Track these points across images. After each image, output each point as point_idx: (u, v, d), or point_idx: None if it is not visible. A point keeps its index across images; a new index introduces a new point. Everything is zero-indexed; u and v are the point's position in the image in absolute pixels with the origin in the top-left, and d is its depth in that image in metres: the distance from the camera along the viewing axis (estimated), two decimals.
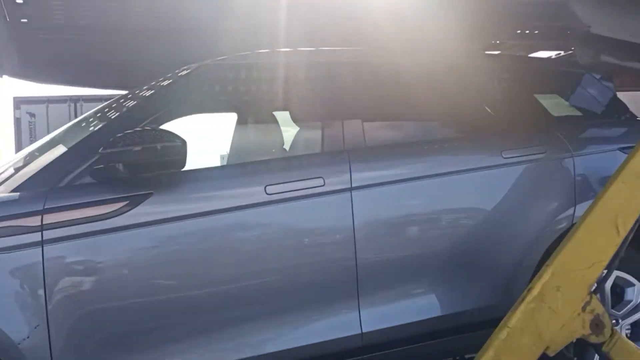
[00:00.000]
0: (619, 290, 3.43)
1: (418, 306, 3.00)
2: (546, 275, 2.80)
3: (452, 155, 3.21)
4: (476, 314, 3.08)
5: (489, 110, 3.41)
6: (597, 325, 2.83)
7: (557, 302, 2.78)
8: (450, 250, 3.09)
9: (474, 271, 3.14)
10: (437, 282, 3.05)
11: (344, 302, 2.90)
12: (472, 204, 3.17)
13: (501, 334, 2.73)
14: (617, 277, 3.38)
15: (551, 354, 2.77)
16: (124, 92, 3.55)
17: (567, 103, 3.89)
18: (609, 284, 3.34)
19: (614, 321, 3.37)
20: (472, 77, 3.45)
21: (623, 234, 2.88)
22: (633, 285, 3.41)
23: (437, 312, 3.03)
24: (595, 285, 2.86)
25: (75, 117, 12.23)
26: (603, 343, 2.85)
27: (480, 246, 3.15)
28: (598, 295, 2.89)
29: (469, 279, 3.12)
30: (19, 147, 12.38)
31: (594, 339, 2.83)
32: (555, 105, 3.85)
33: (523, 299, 2.78)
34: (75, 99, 12.85)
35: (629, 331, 3.49)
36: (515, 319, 2.74)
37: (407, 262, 3.00)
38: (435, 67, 3.45)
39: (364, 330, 2.90)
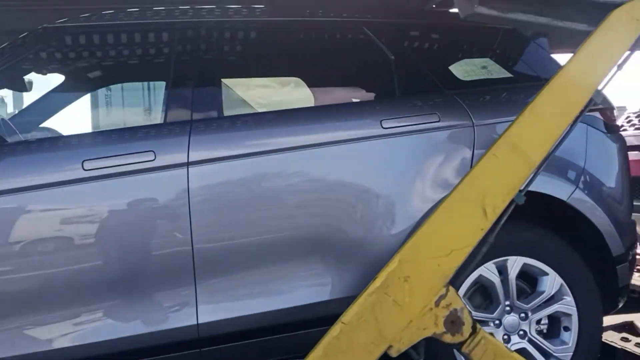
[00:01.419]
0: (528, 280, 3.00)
1: (267, 296, 2.68)
2: (393, 264, 2.41)
3: (318, 125, 2.82)
4: (344, 305, 2.73)
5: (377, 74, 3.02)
6: (453, 322, 2.43)
7: (404, 294, 2.40)
8: (311, 234, 2.72)
9: (340, 257, 2.77)
10: (293, 270, 2.71)
11: (180, 290, 2.62)
12: (338, 181, 2.78)
13: (334, 331, 2.38)
14: (528, 265, 2.94)
15: (394, 354, 2.39)
16: None
17: (496, 66, 3.40)
18: (513, 273, 2.91)
19: (522, 315, 2.93)
20: (363, 38, 3.04)
21: (492, 218, 2.45)
22: (547, 274, 2.95)
23: (289, 302, 2.69)
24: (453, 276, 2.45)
25: None
26: (463, 343, 2.45)
27: (349, 228, 2.77)
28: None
29: (333, 266, 2.76)
30: None
31: (448, 339, 2.43)
32: (477, 68, 3.39)
33: (364, 291, 2.42)
34: None
35: (544, 326, 3.04)
36: (352, 313, 2.38)
37: (255, 248, 2.66)
38: (317, 26, 3.06)
39: (200, 322, 2.62)
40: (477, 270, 2.86)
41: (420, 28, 3.20)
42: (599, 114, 3.20)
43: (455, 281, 2.47)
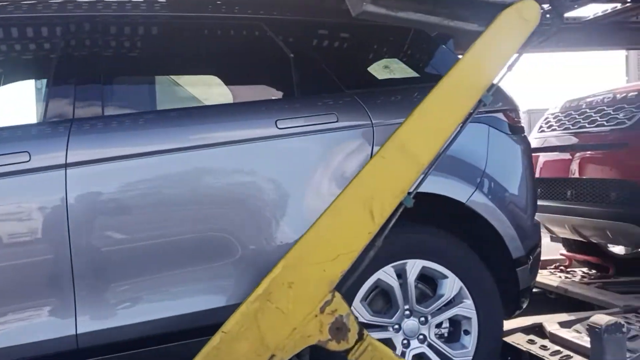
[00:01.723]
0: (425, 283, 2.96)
1: (152, 304, 2.56)
2: (276, 270, 2.33)
3: (207, 125, 2.70)
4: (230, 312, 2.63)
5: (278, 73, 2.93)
6: (339, 329, 2.36)
7: (288, 301, 2.32)
8: (197, 239, 2.61)
9: (232, 262, 2.66)
10: (179, 276, 2.60)
11: (57, 299, 2.48)
12: (229, 184, 2.69)
13: (214, 340, 2.29)
14: (427, 269, 2.89)
15: None
16: None
17: (402, 66, 3.36)
18: (412, 277, 2.86)
19: (422, 319, 2.89)
20: (262, 35, 2.95)
21: (379, 221, 2.39)
22: (446, 277, 2.91)
23: (175, 310, 2.58)
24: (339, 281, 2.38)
25: None
26: (349, 350, 2.39)
27: (241, 232, 2.67)
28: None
29: (225, 271, 2.66)
30: None
31: (334, 346, 2.36)
32: (383, 68, 3.33)
33: (247, 299, 2.33)
34: None
35: (445, 330, 3.01)
36: (233, 322, 2.29)
37: (137, 255, 2.55)
38: (215, 22, 2.95)
39: (79, 332, 2.48)
40: (375, 274, 2.81)
41: (323, 26, 3.12)
42: (503, 115, 3.18)
43: (342, 286, 2.41)
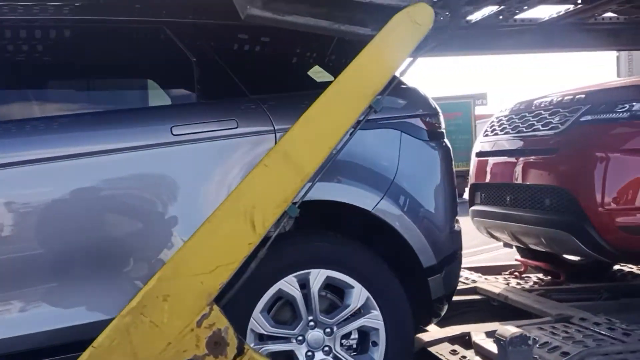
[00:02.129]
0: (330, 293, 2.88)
1: (23, 318, 2.48)
2: (151, 282, 2.26)
3: (98, 131, 2.63)
4: None
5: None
6: (217, 343, 2.29)
7: (163, 315, 2.25)
8: (82, 249, 2.54)
9: (114, 273, 2.59)
10: (56, 288, 2.52)
11: None
12: (119, 193, 2.62)
13: (83, 356, 2.22)
14: (332, 278, 2.82)
15: None
16: None
17: (322, 72, 3.28)
18: (316, 287, 2.79)
19: (327, 330, 2.81)
20: (164, 38, 2.88)
21: (261, 232, 2.32)
22: (352, 287, 2.83)
23: (49, 325, 2.49)
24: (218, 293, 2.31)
25: None
26: None
27: (132, 242, 2.61)
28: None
29: (105, 283, 2.57)
30: None
31: None
32: (298, 73, 3.26)
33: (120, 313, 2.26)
34: None
35: (354, 341, 2.93)
36: (104, 336, 2.22)
37: (13, 266, 2.48)
38: (115, 25, 2.88)
39: None
40: (276, 284, 2.74)
41: (230, 30, 3.05)
42: (420, 120, 3.11)
43: (221, 299, 2.34)
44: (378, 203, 2.87)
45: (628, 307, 3.93)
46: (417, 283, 2.97)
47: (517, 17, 5.33)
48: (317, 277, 2.79)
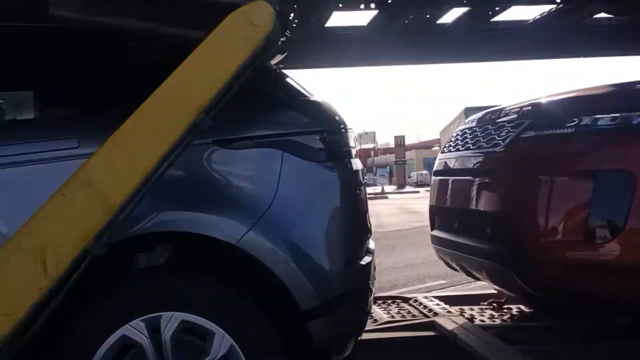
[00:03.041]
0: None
1: None
2: None
3: None
4: None
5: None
6: None
7: None
8: None
9: None
10: None
11: None
12: None
13: None
14: (188, 323, 2.43)
15: None
16: None
17: None
18: (168, 332, 2.40)
19: None
20: None
21: (55, 274, 1.96)
22: (213, 333, 2.44)
23: None
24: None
25: None
26: None
27: None
28: None
29: None
30: None
31: None
32: None
33: None
34: None
35: None
36: None
37: None
38: None
39: None
40: (120, 329, 2.37)
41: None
42: (317, 138, 2.69)
43: (6, 356, 1.98)
44: (245, 235, 2.46)
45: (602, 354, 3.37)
46: (295, 328, 2.55)
47: (499, 19, 4.86)
48: (170, 320, 2.40)
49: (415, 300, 4.55)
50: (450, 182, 3.75)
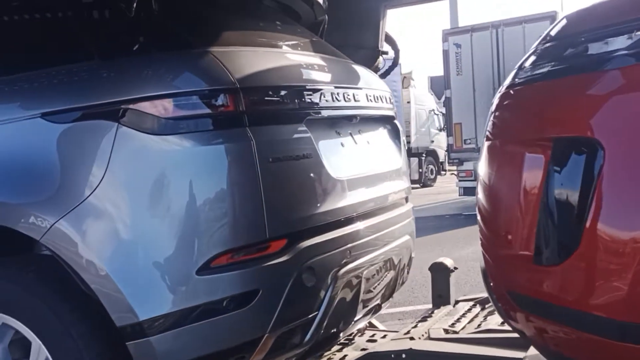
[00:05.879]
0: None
1: None
2: None
3: None
4: None
5: None
6: None
7: None
8: None
9: None
10: None
11: None
12: None
13: None
14: (9, 327, 2.12)
15: None
16: None
17: None
18: None
19: None
20: None
21: None
22: (29, 342, 2.08)
23: None
24: None
25: (497, 44, 12.02)
26: None
27: None
28: None
29: None
30: (446, 81, 12.56)
31: None
32: None
33: None
34: (496, 25, 12.13)
35: None
36: None
37: None
38: None
39: None
40: None
41: None
42: (197, 98, 2.00)
43: None
44: (50, 228, 1.99)
45: None
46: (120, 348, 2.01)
47: None
48: None
49: None
50: None
